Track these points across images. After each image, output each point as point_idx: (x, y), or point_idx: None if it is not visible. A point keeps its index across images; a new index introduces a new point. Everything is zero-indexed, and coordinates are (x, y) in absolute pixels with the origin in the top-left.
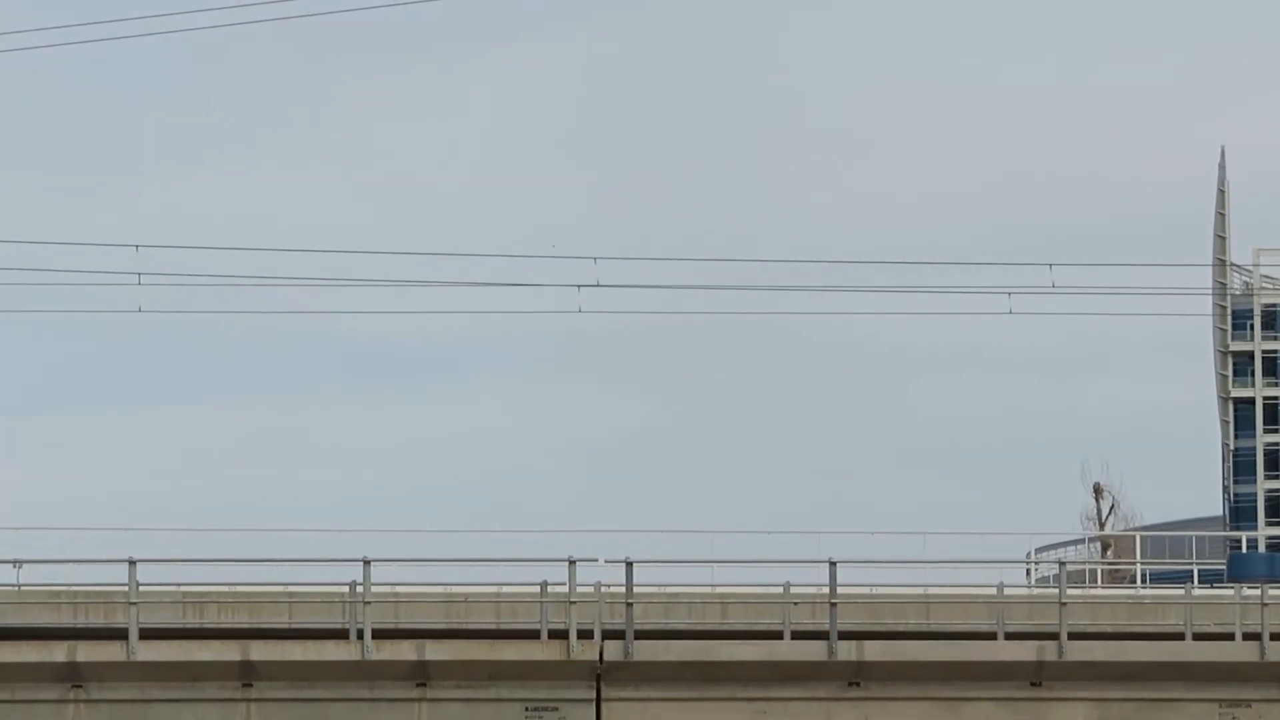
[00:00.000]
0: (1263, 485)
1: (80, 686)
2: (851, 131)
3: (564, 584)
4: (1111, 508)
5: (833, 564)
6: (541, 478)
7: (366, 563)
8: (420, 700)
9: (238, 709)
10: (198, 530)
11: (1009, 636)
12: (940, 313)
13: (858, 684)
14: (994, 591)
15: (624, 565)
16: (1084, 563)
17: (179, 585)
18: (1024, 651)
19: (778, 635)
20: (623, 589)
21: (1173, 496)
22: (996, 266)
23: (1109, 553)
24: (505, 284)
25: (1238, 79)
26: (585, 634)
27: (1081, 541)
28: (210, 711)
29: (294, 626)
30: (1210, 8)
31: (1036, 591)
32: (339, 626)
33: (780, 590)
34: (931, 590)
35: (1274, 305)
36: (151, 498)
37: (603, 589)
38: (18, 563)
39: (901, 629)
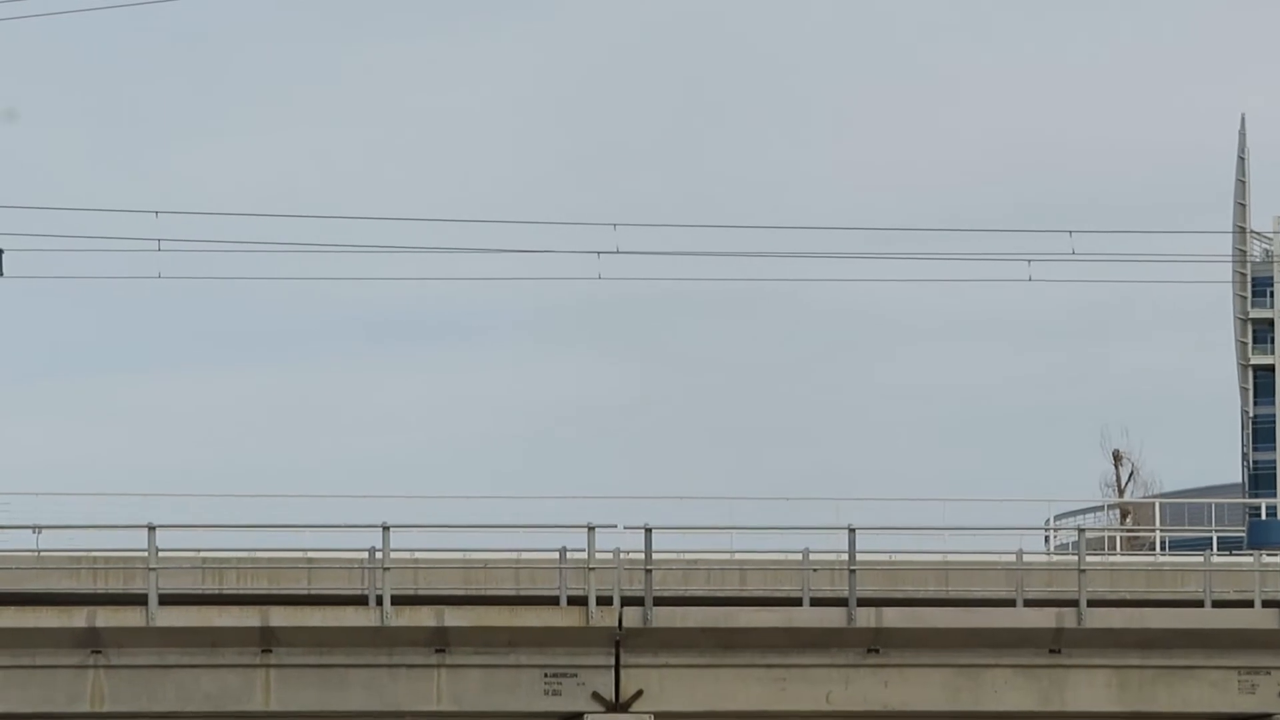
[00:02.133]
0: None
1: (100, 652)
2: (870, 100)
3: (583, 550)
4: (1131, 474)
5: (852, 531)
6: (561, 444)
7: (386, 529)
8: (439, 666)
9: (257, 674)
10: (217, 496)
11: (1028, 603)
12: (960, 280)
13: (876, 651)
14: (1013, 558)
15: (643, 532)
16: (1103, 529)
17: (198, 551)
18: (1043, 618)
19: (796, 602)
20: (642, 555)
21: (1192, 463)
22: (1016, 234)
23: (1128, 520)
24: (524, 250)
25: (1258, 44)
26: (604, 600)
27: (1100, 508)
28: (229, 677)
29: (313, 592)
30: None
31: (1056, 558)
32: (358, 593)
33: (799, 557)
34: (950, 557)
35: None
36: (171, 463)
37: (622, 555)
38: (37, 528)
39: (920, 596)
